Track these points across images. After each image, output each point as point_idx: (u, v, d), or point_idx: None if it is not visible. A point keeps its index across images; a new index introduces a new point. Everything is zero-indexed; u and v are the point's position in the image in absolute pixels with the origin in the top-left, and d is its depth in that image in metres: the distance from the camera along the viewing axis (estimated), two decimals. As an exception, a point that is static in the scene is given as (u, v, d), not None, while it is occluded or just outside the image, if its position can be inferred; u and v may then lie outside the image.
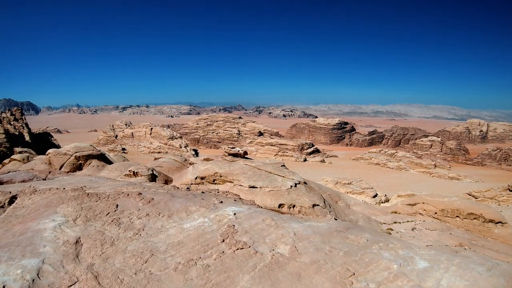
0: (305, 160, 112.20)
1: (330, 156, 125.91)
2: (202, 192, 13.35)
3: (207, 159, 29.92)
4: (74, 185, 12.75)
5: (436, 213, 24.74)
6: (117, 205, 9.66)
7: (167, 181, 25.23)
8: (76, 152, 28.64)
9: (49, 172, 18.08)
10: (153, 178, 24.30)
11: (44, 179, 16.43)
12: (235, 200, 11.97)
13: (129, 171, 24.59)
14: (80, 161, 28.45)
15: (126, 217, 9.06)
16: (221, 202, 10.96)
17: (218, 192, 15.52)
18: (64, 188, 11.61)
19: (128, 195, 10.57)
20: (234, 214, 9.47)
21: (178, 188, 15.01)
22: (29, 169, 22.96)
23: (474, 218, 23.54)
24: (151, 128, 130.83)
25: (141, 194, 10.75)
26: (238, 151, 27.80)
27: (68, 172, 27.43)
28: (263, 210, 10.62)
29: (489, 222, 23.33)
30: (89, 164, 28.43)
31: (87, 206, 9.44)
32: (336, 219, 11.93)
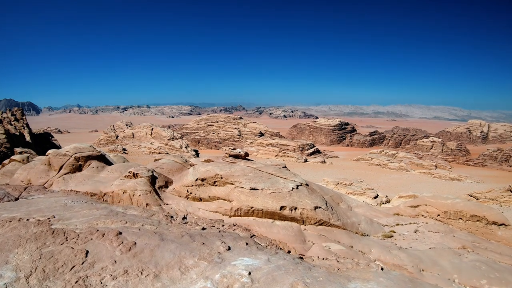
0: (305, 160, 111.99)
1: (331, 157, 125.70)
2: (203, 229, 10.42)
3: (207, 160, 29.74)
4: (43, 213, 10.49)
5: (439, 215, 24.51)
6: (87, 253, 7.44)
7: (168, 182, 25.07)
8: (76, 153, 28.48)
9: (25, 189, 15.57)
10: (153, 179, 24.13)
11: (17, 198, 13.84)
12: (247, 244, 9.13)
13: (129, 172, 24.43)
14: (79, 162, 28.30)
15: (96, 274, 6.67)
16: (229, 248, 8.43)
17: (223, 225, 11.42)
18: (27, 220, 9.46)
19: (103, 235, 8.25)
20: (249, 273, 6.89)
21: (171, 217, 11.29)
22: (2, 185, 21.47)
23: (477, 220, 23.31)
24: (152, 129, 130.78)
25: (121, 234, 8.45)
26: (239, 152, 27.62)
27: (67, 173, 27.27)
28: (288, 263, 7.84)
29: (492, 224, 23.09)
30: (89, 165, 28.28)
31: (49, 252, 7.23)
32: (382, 269, 8.42)
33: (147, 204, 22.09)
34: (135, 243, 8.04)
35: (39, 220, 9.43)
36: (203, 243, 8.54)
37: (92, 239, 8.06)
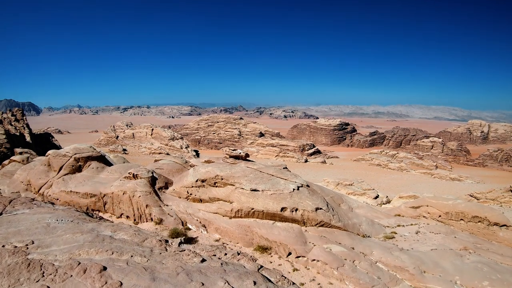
0: (306, 161, 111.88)
1: (331, 157, 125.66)
2: (202, 261, 8.64)
3: (208, 161, 29.66)
4: (21, 237, 9.09)
5: (440, 216, 24.40)
6: None
7: (168, 183, 24.98)
8: (76, 154, 28.41)
9: (10, 202, 13.56)
10: (153, 180, 24.05)
11: (0, 213, 12.45)
12: (255, 283, 7.77)
13: (129, 173, 24.36)
14: (79, 163, 28.23)
15: None
16: None
17: (225, 254, 9.79)
18: (3, 246, 8.32)
19: (85, 271, 7.04)
20: None
21: (166, 242, 9.40)
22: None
23: (479, 221, 23.20)
24: (152, 129, 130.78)
25: (105, 270, 7.22)
26: (240, 153, 27.56)
27: (67, 174, 27.20)
28: None
29: (494, 225, 22.98)
30: (89, 165, 28.21)
31: None
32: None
33: (147, 206, 22.01)
34: (121, 283, 6.76)
35: (15, 247, 8.28)
36: (203, 284, 7.18)
37: (72, 276, 6.85)
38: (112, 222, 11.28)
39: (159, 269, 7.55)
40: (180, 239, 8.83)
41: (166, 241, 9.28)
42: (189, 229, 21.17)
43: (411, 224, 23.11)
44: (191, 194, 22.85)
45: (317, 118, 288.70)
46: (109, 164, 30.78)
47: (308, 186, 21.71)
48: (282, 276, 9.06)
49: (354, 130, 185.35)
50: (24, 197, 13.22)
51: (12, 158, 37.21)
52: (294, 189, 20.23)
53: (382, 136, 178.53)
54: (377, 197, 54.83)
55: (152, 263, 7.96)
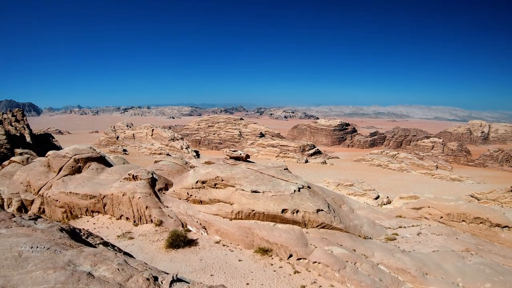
0: (306, 161, 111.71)
1: (332, 158, 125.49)
2: None
3: (208, 162, 29.54)
4: None
5: (441, 217, 24.29)
6: None
7: (168, 184, 24.87)
8: (75, 155, 28.32)
9: None
10: (153, 181, 23.95)
11: None
12: None
13: (129, 174, 24.25)
14: (79, 164, 28.13)
15: None
16: None
17: None
18: None
19: None
20: None
21: (155, 282, 7.31)
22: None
23: (481, 223, 23.09)
24: (152, 130, 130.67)
25: None
26: (240, 154, 27.42)
27: (66, 175, 27.09)
28: None
29: (496, 226, 22.87)
30: (88, 166, 28.11)
31: None
32: None
33: (147, 207, 21.90)
34: None
35: None
36: None
37: None
38: (96, 248, 9.51)
39: None
40: (173, 276, 7.06)
41: (156, 279, 7.05)
42: (189, 230, 21.05)
43: (413, 226, 22.97)
44: (191, 195, 22.74)
45: (318, 118, 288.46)
46: (109, 165, 30.68)
47: (309, 187, 21.59)
48: None
49: (354, 130, 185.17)
50: (4, 213, 11.10)
51: (12, 158, 37.13)
52: (295, 191, 20.11)
53: (383, 136, 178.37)
54: (377, 197, 54.71)
55: None
